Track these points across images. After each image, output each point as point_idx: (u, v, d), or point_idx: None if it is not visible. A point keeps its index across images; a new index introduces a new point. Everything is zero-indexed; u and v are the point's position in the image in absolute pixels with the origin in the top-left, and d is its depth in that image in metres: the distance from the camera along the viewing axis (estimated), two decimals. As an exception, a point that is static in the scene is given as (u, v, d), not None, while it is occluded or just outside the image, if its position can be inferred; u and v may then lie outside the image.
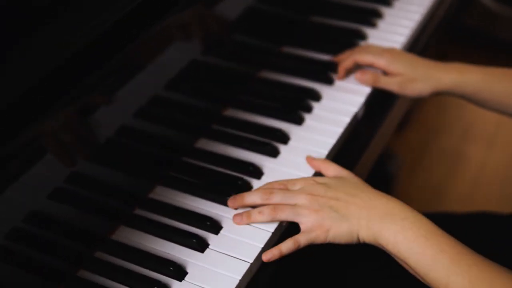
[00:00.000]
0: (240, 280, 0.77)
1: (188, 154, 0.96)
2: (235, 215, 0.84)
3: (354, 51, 1.09)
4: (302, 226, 0.81)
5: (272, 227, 0.83)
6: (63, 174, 0.76)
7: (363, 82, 1.06)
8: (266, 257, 0.80)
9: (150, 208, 0.88)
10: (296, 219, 0.81)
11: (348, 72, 1.09)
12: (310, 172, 0.92)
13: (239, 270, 0.78)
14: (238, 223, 0.83)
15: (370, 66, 1.08)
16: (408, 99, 1.13)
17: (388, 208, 0.78)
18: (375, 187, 0.84)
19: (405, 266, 0.76)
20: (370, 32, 1.23)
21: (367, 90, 1.07)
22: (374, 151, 1.08)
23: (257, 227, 0.83)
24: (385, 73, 1.07)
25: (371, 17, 1.25)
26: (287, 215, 0.81)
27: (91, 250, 0.82)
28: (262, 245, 0.81)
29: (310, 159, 0.92)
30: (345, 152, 1.01)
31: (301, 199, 0.81)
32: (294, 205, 0.81)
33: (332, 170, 0.89)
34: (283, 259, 0.81)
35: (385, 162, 1.93)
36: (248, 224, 0.83)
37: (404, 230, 0.74)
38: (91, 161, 0.80)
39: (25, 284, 0.76)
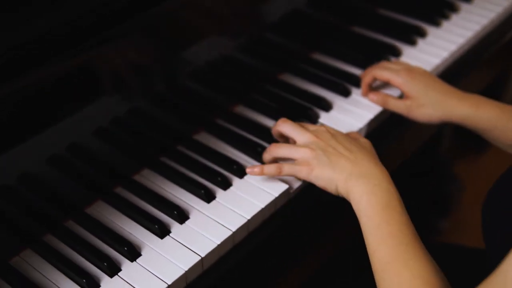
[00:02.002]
0: (233, 232, 0.84)
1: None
2: (249, 167, 0.92)
3: (375, 67, 1.07)
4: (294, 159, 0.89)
5: (277, 192, 0.89)
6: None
7: (374, 102, 1.05)
8: (248, 169, 0.91)
9: (174, 158, 0.97)
10: (292, 154, 0.89)
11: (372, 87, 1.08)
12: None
13: (236, 224, 0.85)
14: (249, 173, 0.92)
15: (387, 83, 1.05)
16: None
17: (369, 170, 0.83)
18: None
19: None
20: (406, 49, 1.19)
21: (378, 108, 1.05)
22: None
23: (263, 189, 0.90)
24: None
25: (412, 34, 1.22)
26: (284, 150, 0.90)
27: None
28: (263, 205, 0.88)
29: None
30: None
31: (306, 138, 0.90)
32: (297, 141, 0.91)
33: (356, 133, 0.97)
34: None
35: (446, 182, 1.89)
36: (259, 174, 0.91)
37: (370, 194, 0.80)
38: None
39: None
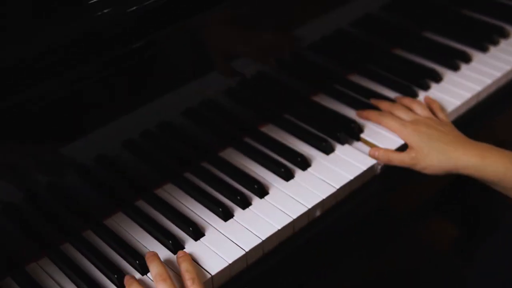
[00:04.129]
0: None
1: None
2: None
3: (382, 114, 1.05)
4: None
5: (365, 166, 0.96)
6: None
7: (375, 159, 0.99)
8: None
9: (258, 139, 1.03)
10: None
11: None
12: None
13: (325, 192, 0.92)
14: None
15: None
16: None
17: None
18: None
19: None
20: (448, 74, 1.16)
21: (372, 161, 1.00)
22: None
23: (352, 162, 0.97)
24: None
25: (455, 59, 1.18)
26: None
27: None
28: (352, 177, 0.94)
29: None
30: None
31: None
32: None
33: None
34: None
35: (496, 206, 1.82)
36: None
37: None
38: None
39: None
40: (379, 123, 1.05)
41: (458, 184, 1.10)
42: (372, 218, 0.99)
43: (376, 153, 0.99)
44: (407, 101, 1.07)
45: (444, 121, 1.03)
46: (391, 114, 1.04)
